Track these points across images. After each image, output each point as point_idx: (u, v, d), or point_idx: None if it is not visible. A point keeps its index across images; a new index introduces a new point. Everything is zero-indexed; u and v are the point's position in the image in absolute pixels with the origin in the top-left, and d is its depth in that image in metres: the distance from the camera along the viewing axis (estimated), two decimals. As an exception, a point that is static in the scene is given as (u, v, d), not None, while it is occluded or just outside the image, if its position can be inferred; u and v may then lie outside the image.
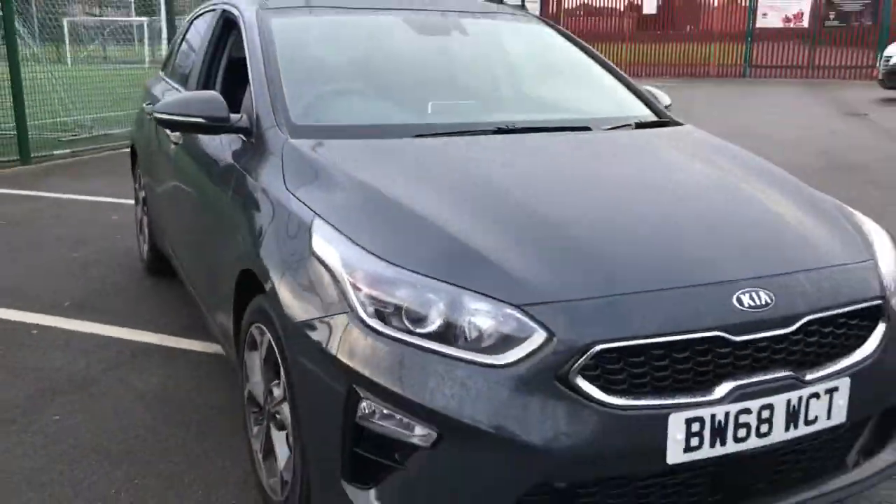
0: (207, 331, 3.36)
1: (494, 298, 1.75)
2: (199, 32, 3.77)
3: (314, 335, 1.88)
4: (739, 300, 1.83)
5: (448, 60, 3.11)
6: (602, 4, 27.05)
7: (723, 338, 1.78)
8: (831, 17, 24.11)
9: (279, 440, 2.21)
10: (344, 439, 1.83)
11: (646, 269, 1.85)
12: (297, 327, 1.93)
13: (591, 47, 3.49)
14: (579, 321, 1.72)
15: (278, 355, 2.08)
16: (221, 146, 2.79)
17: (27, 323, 3.83)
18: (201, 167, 3.00)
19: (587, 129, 2.80)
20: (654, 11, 25.54)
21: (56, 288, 4.34)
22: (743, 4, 24.87)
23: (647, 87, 3.33)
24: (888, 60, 16.94)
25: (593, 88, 3.21)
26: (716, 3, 25.24)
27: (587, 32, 27.03)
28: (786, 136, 11.12)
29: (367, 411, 1.80)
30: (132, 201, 6.22)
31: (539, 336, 1.71)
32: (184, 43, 4.13)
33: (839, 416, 1.93)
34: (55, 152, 8.97)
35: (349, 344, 1.81)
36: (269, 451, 2.30)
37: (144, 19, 16.46)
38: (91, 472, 2.53)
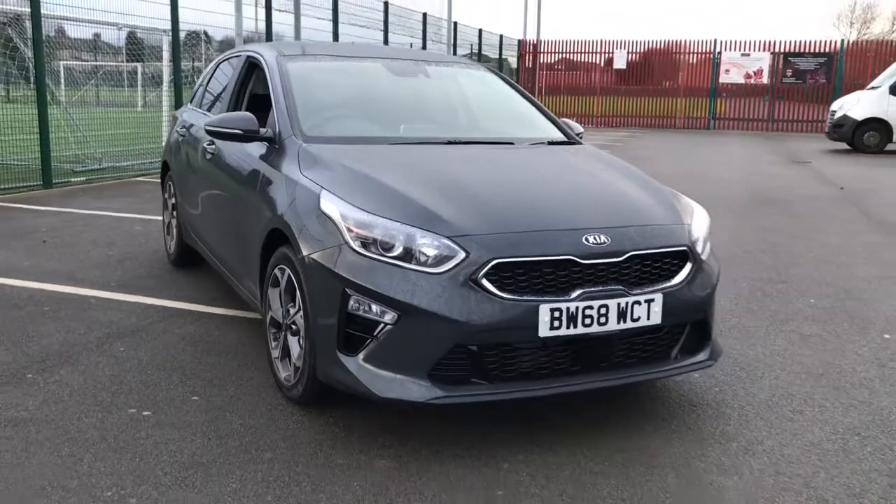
0: (230, 299, 4.43)
1: (434, 233, 2.87)
2: (226, 73, 4.93)
3: (321, 260, 2.99)
4: (587, 239, 2.96)
5: (415, 95, 4.29)
6: (581, 59, 28.67)
7: (574, 260, 2.91)
8: (788, 74, 25.84)
9: (293, 343, 3.29)
10: (339, 324, 2.92)
11: (528, 218, 2.99)
12: (311, 257, 3.03)
13: (523, 90, 4.68)
14: (484, 246, 2.84)
15: (295, 282, 3.17)
16: (249, 153, 3.91)
17: (86, 295, 4.89)
18: (232, 170, 4.12)
19: (511, 143, 3.98)
20: (623, 66, 27.14)
21: (101, 274, 5.41)
22: (707, 61, 26.57)
23: (565, 120, 4.52)
24: (833, 114, 18.47)
25: (522, 118, 4.41)
26: (688, 61, 26.87)
27: (564, 85, 28.68)
28: (728, 178, 12.43)
29: (354, 304, 2.89)
30: (150, 216, 7.33)
31: (461, 255, 2.83)
32: (212, 80, 5.29)
33: (656, 318, 3.04)
34: (72, 180, 10.06)
35: (343, 263, 2.92)
36: (284, 354, 3.38)
37: (137, 65, 17.37)
38: (154, 377, 3.59)
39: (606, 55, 27.54)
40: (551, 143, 4.18)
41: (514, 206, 3.08)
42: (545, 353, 2.94)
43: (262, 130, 3.78)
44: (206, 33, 15.30)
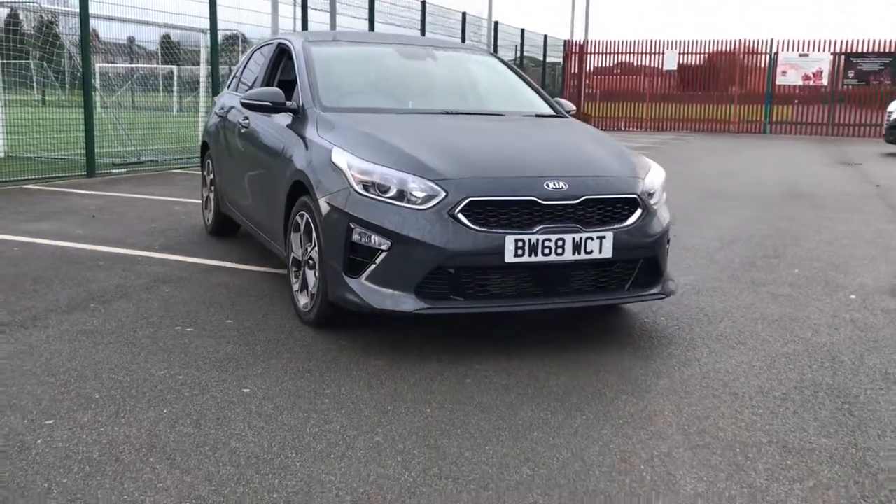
0: (261, 259, 5.45)
1: (422, 177, 3.84)
2: (259, 59, 5.99)
3: (332, 201, 3.97)
4: (547, 184, 3.90)
5: (421, 74, 5.29)
6: (630, 61, 29.41)
7: (536, 201, 3.84)
8: (850, 76, 26.28)
9: (310, 275, 4.28)
10: (346, 252, 3.90)
11: (499, 166, 3.94)
12: (324, 200, 4.02)
13: (522, 72, 5.65)
14: (460, 188, 3.80)
15: (312, 224, 4.16)
16: (277, 123, 4.93)
17: (134, 255, 5.97)
18: (262, 139, 5.16)
19: (501, 115, 4.95)
20: (674, 68, 27.79)
21: (146, 240, 6.50)
22: (762, 65, 27.13)
23: (558, 99, 5.47)
24: (890, 115, 18.99)
25: (516, 96, 5.37)
26: (743, 62, 27.48)
27: (612, 89, 29.50)
28: (766, 176, 13.19)
29: (357, 235, 3.87)
30: (188, 199, 8.44)
31: (441, 194, 3.79)
32: (247, 67, 6.36)
33: (607, 252, 3.95)
34: (113, 171, 11.30)
35: (349, 202, 3.90)
36: (303, 287, 4.37)
37: (173, 67, 18.46)
38: (195, 308, 4.60)
39: (657, 55, 28.24)
40: (539, 115, 5.13)
41: (488, 158, 4.04)
42: (512, 277, 3.87)
43: (288, 103, 4.80)
44: (243, 36, 16.51)
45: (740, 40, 27.48)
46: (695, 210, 9.18)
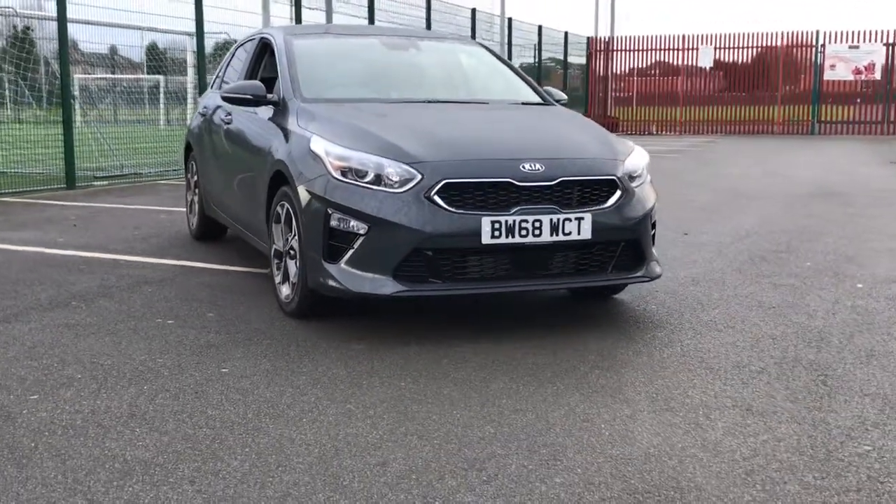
0: (245, 261, 5.98)
1: (398, 161, 4.36)
2: (242, 55, 6.57)
3: (311, 188, 4.50)
4: (523, 166, 4.40)
5: (404, 65, 5.85)
6: (672, 60, 29.83)
7: (512, 183, 4.35)
8: (907, 68, 26.67)
9: (291, 265, 4.80)
10: (324, 237, 4.42)
11: (475, 149, 4.46)
12: (303, 188, 4.55)
13: (510, 62, 6.19)
14: (436, 170, 4.31)
15: (292, 213, 4.69)
16: (259, 116, 5.48)
17: (117, 259, 6.53)
18: (244, 134, 5.71)
19: (485, 104, 5.49)
20: (710, 65, 28.27)
21: (129, 246, 7.06)
22: (808, 59, 27.54)
23: (548, 88, 6.00)
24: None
25: (503, 85, 5.90)
26: (786, 55, 27.93)
27: (643, 91, 30.03)
28: (801, 175, 13.66)
29: (335, 221, 4.39)
30: (173, 208, 9.02)
31: (417, 177, 4.31)
32: (230, 64, 6.94)
33: (586, 234, 4.44)
34: (95, 183, 11.93)
35: (327, 188, 4.43)
36: (284, 278, 4.89)
37: (159, 77, 18.88)
38: (177, 304, 5.13)
39: (691, 52, 28.75)
40: (525, 103, 5.66)
41: (464, 141, 4.56)
42: (490, 259, 4.37)
43: (269, 96, 5.36)
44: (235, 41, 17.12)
45: (783, 32, 27.93)
46: (715, 209, 9.65)
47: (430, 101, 5.41)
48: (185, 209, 7.91)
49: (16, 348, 4.28)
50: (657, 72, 31.00)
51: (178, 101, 17.21)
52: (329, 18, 16.62)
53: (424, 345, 4.35)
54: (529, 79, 6.09)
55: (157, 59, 16.78)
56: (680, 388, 3.77)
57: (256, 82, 5.40)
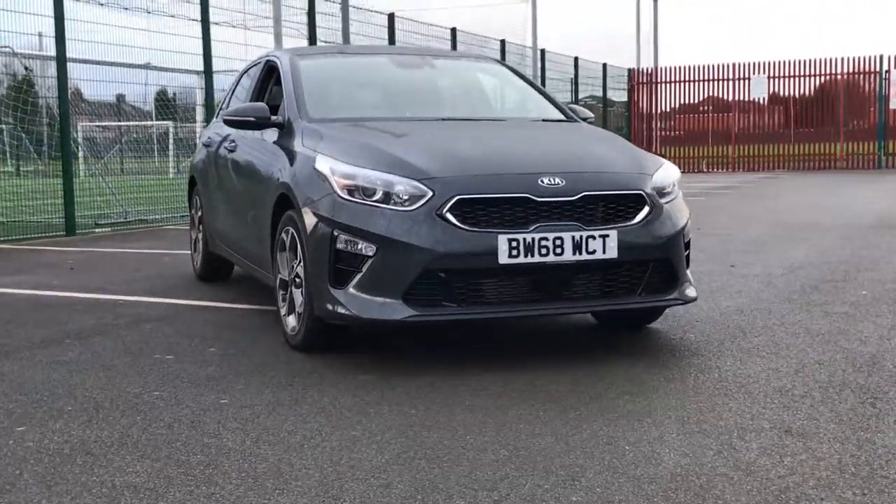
0: (251, 298, 6.11)
1: (407, 178, 4.48)
2: (247, 82, 6.78)
3: (316, 209, 4.62)
4: (542, 180, 4.50)
5: (417, 84, 6.01)
6: (721, 92, 29.86)
7: (530, 198, 4.44)
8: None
9: (297, 294, 4.91)
10: (330, 260, 4.53)
11: (490, 164, 4.57)
12: (308, 209, 4.67)
13: (534, 81, 6.33)
14: (448, 185, 4.42)
15: (298, 239, 4.81)
16: (263, 140, 5.64)
17: (115, 299, 6.69)
18: (248, 160, 5.87)
19: (502, 120, 5.62)
20: (763, 95, 28.31)
21: (128, 287, 7.22)
22: (873, 90, 27.46)
23: (571, 105, 6.13)
24: None
25: (523, 102, 6.04)
26: (847, 83, 27.95)
27: (691, 128, 30.12)
28: (861, 209, 13.67)
29: (342, 243, 4.50)
30: (178, 251, 9.21)
31: (428, 194, 4.42)
32: (234, 93, 7.15)
33: (612, 253, 4.52)
34: (96, 230, 12.20)
35: (333, 209, 4.55)
36: (290, 309, 5.00)
37: (168, 123, 19.05)
38: (177, 340, 5.24)
39: (742, 81, 28.84)
40: (546, 120, 5.78)
41: (479, 156, 4.68)
42: (509, 280, 4.45)
43: (274, 118, 5.52)
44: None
45: (843, 59, 27.94)
46: (765, 242, 9.67)
47: (443, 119, 5.54)
48: (189, 251, 8.08)
49: (4, 384, 4.40)
50: (709, 107, 31.10)
51: (188, 148, 17.49)
52: (346, 52, 16.93)
53: (438, 373, 4.42)
54: (552, 96, 6.22)
55: (166, 104, 17.13)
56: (714, 412, 3.80)
57: (259, 104, 5.58)
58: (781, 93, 29.21)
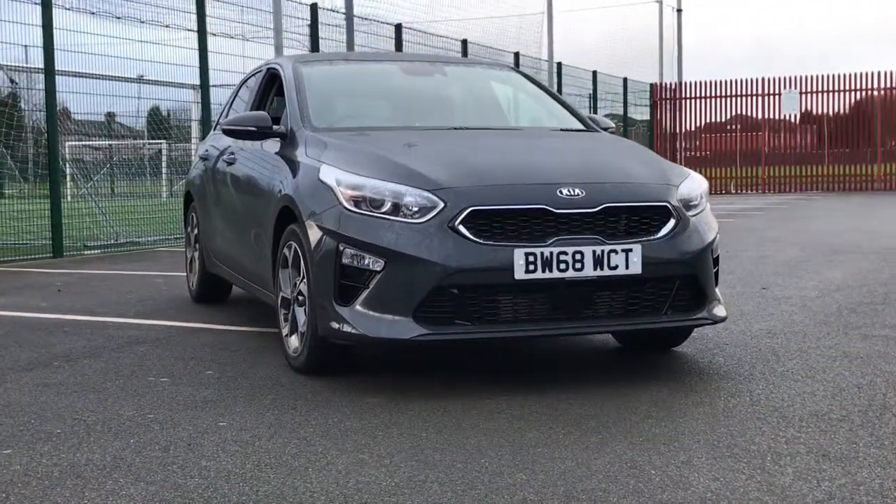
0: (251, 321, 6.14)
1: (417, 188, 4.51)
2: (249, 87, 6.84)
3: (320, 222, 4.65)
4: (561, 191, 4.53)
5: (427, 92, 6.06)
6: (760, 112, 29.70)
7: (548, 210, 4.47)
8: None
9: (299, 313, 4.94)
10: (335, 276, 4.56)
11: (505, 174, 4.61)
12: (311, 222, 4.71)
13: (554, 91, 6.38)
14: (461, 196, 4.45)
15: (301, 254, 4.84)
16: (265, 151, 5.69)
17: (105, 321, 6.73)
18: (249, 173, 5.92)
19: (518, 129, 5.66)
20: (795, 111, 28.31)
21: (120, 309, 7.27)
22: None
23: (591, 115, 6.17)
24: None
25: (540, 112, 6.09)
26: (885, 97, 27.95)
27: (725, 150, 30.15)
28: (890, 230, 13.71)
29: (348, 257, 4.53)
30: (174, 273, 9.26)
31: (440, 205, 4.45)
32: (236, 100, 7.21)
33: (635, 268, 4.54)
34: (85, 252, 12.26)
35: (339, 221, 4.58)
36: (292, 330, 5.02)
37: (162, 143, 18.96)
38: (172, 363, 5.27)
39: (772, 97, 28.86)
40: (565, 130, 5.82)
41: (494, 166, 4.71)
42: (525, 297, 4.47)
43: (276, 127, 5.57)
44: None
45: (880, 73, 27.93)
46: (798, 265, 9.68)
47: (455, 129, 5.59)
48: (184, 272, 8.12)
49: (-11, 406, 4.43)
50: (737, 127, 31.14)
51: (182, 170, 17.49)
52: (351, 64, 17.03)
53: (449, 396, 4.43)
54: (571, 106, 6.26)
55: (159, 122, 17.19)
56: (746, 436, 3.80)
57: (261, 112, 5.64)
58: (814, 110, 29.20)
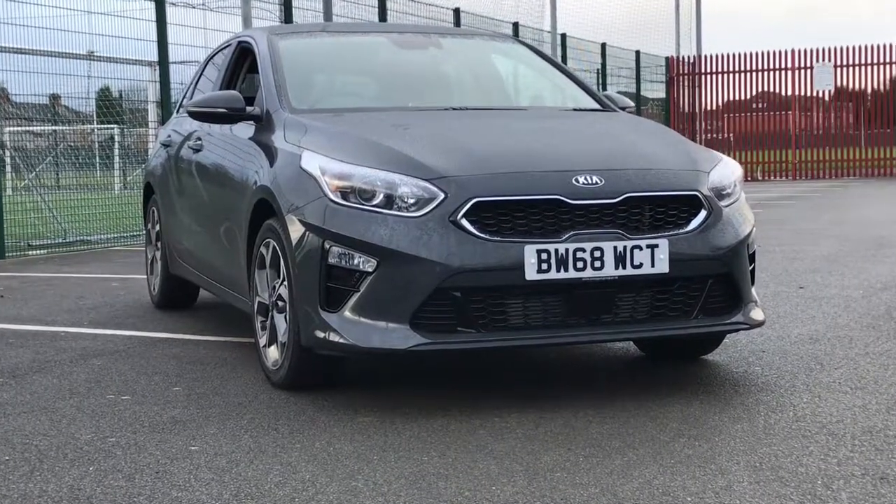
0: (220, 329, 6.10)
1: (413, 177, 4.47)
2: (216, 64, 6.79)
3: (302, 216, 4.61)
4: (577, 179, 4.49)
5: (421, 68, 6.03)
6: (789, 88, 29.69)
7: (563, 201, 4.43)
8: None
9: (279, 321, 4.89)
10: (321, 279, 4.51)
11: (514, 160, 4.57)
12: (292, 216, 4.66)
13: (563, 65, 6.34)
14: (463, 186, 4.41)
15: (280, 253, 4.79)
16: (236, 136, 5.64)
17: (55, 331, 6.69)
18: (218, 161, 5.88)
19: (524, 109, 5.63)
20: (829, 86, 28.29)
21: (71, 317, 7.23)
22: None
23: (606, 93, 6.14)
24: None
25: (549, 88, 6.06)
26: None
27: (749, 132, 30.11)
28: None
29: (335, 257, 4.49)
30: (130, 276, 9.22)
31: (440, 196, 4.41)
32: (202, 79, 7.16)
33: (661, 266, 4.50)
34: (29, 253, 12.20)
35: (324, 216, 4.54)
36: (271, 340, 4.98)
37: (114, 128, 18.72)
38: (134, 377, 5.23)
39: (803, 71, 28.83)
40: (577, 109, 5.79)
41: (499, 152, 4.67)
42: (538, 301, 4.44)
43: (250, 109, 5.52)
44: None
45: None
46: (838, 260, 9.68)
47: (453, 109, 5.55)
48: (143, 275, 8.06)
49: (-75, 430, 4.38)
50: (763, 105, 31.15)
51: (137, 158, 17.33)
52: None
53: (453, 414, 4.40)
54: (584, 82, 6.22)
55: (109, 104, 17.04)
56: (791, 457, 3.77)
57: (232, 92, 5.59)
58: (851, 86, 29.21)
